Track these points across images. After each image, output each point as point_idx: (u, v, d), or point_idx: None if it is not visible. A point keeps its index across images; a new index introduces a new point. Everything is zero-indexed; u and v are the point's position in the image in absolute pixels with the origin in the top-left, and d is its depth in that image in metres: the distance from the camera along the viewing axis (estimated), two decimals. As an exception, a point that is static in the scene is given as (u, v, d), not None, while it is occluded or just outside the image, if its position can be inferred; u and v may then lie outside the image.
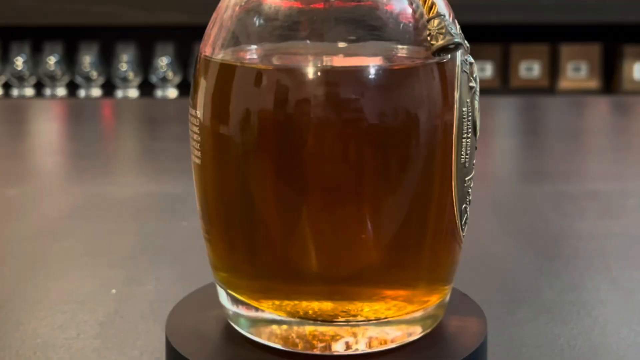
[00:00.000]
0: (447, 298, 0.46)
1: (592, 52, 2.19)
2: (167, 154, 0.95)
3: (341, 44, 0.42)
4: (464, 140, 0.43)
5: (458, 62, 0.42)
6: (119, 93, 2.16)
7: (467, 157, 0.43)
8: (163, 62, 2.15)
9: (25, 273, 0.61)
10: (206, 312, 0.47)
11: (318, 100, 0.40)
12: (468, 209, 0.45)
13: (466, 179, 0.44)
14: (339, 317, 0.43)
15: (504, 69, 2.20)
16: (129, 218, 0.74)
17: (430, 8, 0.42)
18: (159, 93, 2.17)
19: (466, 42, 0.43)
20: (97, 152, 0.99)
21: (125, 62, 2.15)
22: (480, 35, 2.15)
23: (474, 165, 0.45)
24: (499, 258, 0.63)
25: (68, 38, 2.19)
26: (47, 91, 2.16)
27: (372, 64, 0.42)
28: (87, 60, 2.14)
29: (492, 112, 1.19)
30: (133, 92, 2.16)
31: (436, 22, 0.42)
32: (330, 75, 0.41)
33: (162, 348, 0.48)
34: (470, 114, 0.43)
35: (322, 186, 0.41)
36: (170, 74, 2.15)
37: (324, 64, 0.41)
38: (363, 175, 0.41)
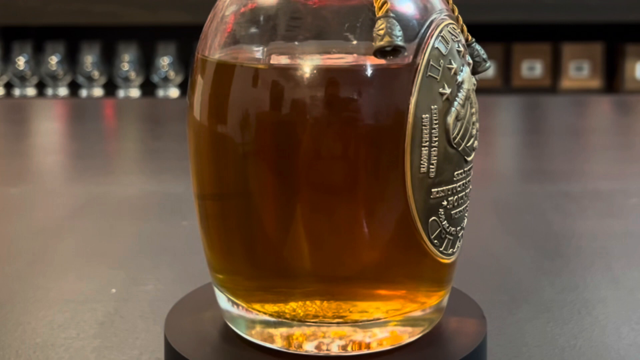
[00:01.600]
0: (445, 299, 0.46)
1: (594, 51, 2.19)
2: (169, 154, 0.95)
3: (339, 44, 0.42)
4: (424, 149, 0.41)
5: (422, 66, 0.41)
6: (121, 93, 2.16)
7: (431, 167, 0.41)
8: (165, 61, 2.15)
9: (26, 272, 0.61)
10: (205, 312, 0.47)
11: (314, 100, 0.40)
12: (446, 224, 0.43)
13: (433, 190, 0.42)
14: (337, 318, 0.42)
15: (506, 68, 2.20)
16: (130, 218, 0.74)
17: (381, 7, 0.40)
18: (160, 93, 2.17)
19: (446, 46, 0.42)
20: (98, 151, 0.99)
21: (127, 62, 2.15)
22: (482, 34, 2.14)
23: (459, 177, 0.43)
24: (500, 257, 0.63)
25: (70, 38, 2.19)
26: (49, 91, 2.16)
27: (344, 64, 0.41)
28: (89, 60, 2.14)
29: (494, 111, 1.19)
30: (135, 92, 2.16)
31: (380, 22, 0.40)
32: (327, 74, 0.41)
33: (162, 348, 0.48)
34: (436, 121, 0.41)
35: (316, 186, 0.41)
36: (171, 74, 2.15)
37: (321, 63, 0.41)
38: (345, 176, 0.41)
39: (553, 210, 0.74)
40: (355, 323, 0.43)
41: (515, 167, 0.94)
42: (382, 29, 0.40)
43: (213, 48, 0.43)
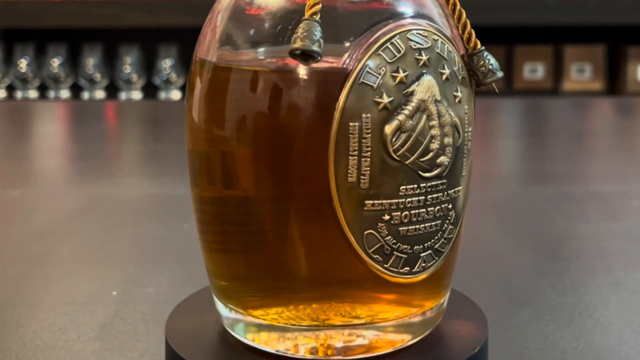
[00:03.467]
0: (444, 302, 0.46)
1: (596, 53, 2.19)
2: (170, 156, 0.95)
3: (330, 47, 0.41)
4: (351, 158, 0.39)
5: (354, 72, 0.39)
6: (123, 95, 2.16)
7: (362, 177, 0.40)
8: (166, 64, 2.15)
9: (26, 274, 0.60)
10: (206, 314, 0.47)
11: (309, 102, 0.40)
12: (391, 240, 0.41)
13: (367, 202, 0.40)
14: (335, 321, 0.42)
15: (508, 71, 2.20)
16: (131, 220, 0.74)
17: (310, 9, 0.39)
18: (162, 95, 2.17)
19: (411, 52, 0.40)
20: (100, 154, 0.99)
21: (128, 64, 2.15)
22: (484, 36, 2.15)
23: (410, 193, 0.41)
24: (501, 259, 0.63)
25: (72, 40, 2.19)
26: (51, 93, 2.16)
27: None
28: (91, 62, 2.14)
29: (495, 113, 1.19)
30: (136, 94, 2.17)
31: (302, 24, 0.39)
32: (267, 77, 0.40)
33: (163, 350, 0.48)
34: (368, 130, 0.39)
35: (310, 189, 0.41)
36: (173, 76, 2.15)
37: (263, 67, 0.41)
38: (270, 178, 0.41)
39: (554, 213, 0.74)
40: (353, 327, 0.43)
41: (516, 169, 0.94)
42: (300, 31, 0.38)
43: (210, 50, 0.43)
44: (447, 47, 0.42)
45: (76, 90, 2.19)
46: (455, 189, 0.42)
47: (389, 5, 0.41)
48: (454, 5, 0.44)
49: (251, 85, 0.41)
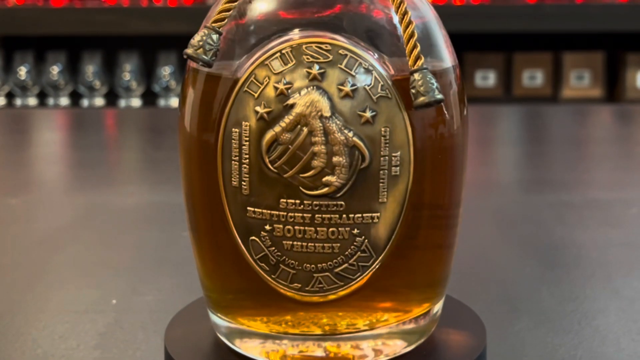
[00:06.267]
0: (437, 310, 0.46)
1: (595, 60, 2.19)
2: (170, 164, 0.95)
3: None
4: (234, 162, 0.40)
5: (241, 80, 0.40)
6: (122, 102, 2.17)
7: (243, 183, 0.40)
8: (166, 71, 2.15)
9: (26, 283, 0.61)
10: (205, 323, 0.47)
11: (207, 107, 0.42)
12: (275, 251, 0.41)
13: (249, 208, 0.40)
14: (328, 330, 0.42)
15: (507, 78, 2.20)
16: (130, 228, 0.74)
17: (220, 20, 0.41)
18: (161, 102, 2.17)
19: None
20: (99, 161, 0.99)
21: (128, 72, 2.15)
22: (484, 43, 2.15)
23: (292, 208, 0.40)
24: (500, 267, 0.63)
25: (71, 47, 2.19)
26: (50, 101, 2.16)
27: None
28: (90, 69, 2.15)
29: (494, 120, 1.19)
30: (136, 102, 2.17)
31: (201, 31, 0.41)
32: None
33: (162, 359, 0.48)
34: (246, 138, 0.40)
35: (208, 192, 0.42)
36: (173, 84, 2.15)
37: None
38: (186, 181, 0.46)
39: (553, 220, 0.74)
40: (349, 335, 0.42)
41: (515, 177, 0.94)
42: (197, 38, 0.41)
43: (225, 64, 0.43)
44: (361, 64, 0.40)
45: (76, 97, 2.19)
46: (365, 214, 0.40)
47: (299, 15, 0.41)
48: (403, 14, 0.41)
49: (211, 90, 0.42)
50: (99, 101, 2.17)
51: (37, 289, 0.59)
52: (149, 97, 2.18)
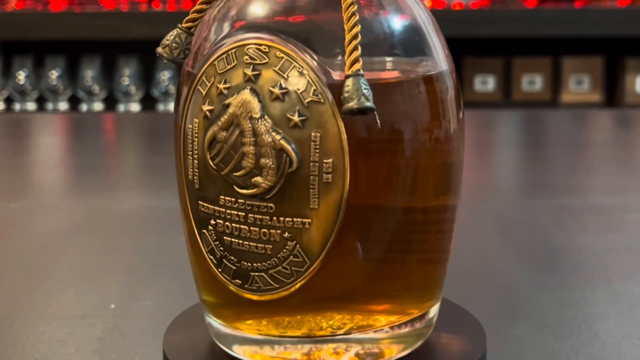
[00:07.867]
0: (432, 313, 0.45)
1: (594, 65, 2.19)
2: (169, 168, 0.95)
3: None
4: (189, 156, 0.42)
5: (197, 78, 0.42)
6: (121, 107, 2.16)
7: (195, 177, 0.42)
8: (165, 76, 2.15)
9: (25, 287, 0.60)
10: (204, 327, 0.47)
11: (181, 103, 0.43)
12: (220, 247, 0.42)
13: (199, 202, 0.42)
14: (323, 333, 0.42)
15: (506, 82, 2.20)
16: (129, 232, 0.74)
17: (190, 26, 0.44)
18: (161, 107, 2.17)
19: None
20: (98, 166, 0.99)
21: (127, 76, 2.15)
22: (483, 48, 2.15)
23: (230, 205, 0.41)
24: (499, 271, 0.63)
25: (70, 52, 2.19)
26: (49, 105, 2.16)
27: None
28: (89, 74, 2.15)
29: (494, 125, 1.19)
30: (135, 106, 2.16)
31: (174, 31, 0.44)
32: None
33: (161, 363, 0.48)
34: (196, 134, 0.41)
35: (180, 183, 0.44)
36: (172, 88, 2.15)
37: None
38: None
39: (553, 225, 0.74)
40: (345, 338, 0.42)
41: (515, 182, 0.94)
42: (170, 38, 0.44)
43: (197, 62, 0.43)
44: (295, 67, 0.39)
45: (74, 102, 2.18)
46: (296, 219, 0.40)
47: (252, 19, 0.42)
48: (350, 15, 0.39)
49: None
50: (98, 106, 2.17)
51: (36, 294, 0.59)
52: (148, 102, 2.18)
